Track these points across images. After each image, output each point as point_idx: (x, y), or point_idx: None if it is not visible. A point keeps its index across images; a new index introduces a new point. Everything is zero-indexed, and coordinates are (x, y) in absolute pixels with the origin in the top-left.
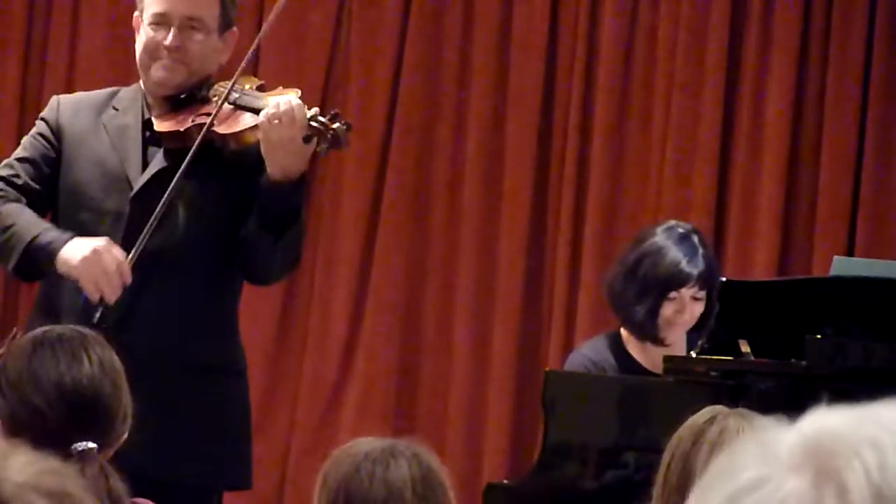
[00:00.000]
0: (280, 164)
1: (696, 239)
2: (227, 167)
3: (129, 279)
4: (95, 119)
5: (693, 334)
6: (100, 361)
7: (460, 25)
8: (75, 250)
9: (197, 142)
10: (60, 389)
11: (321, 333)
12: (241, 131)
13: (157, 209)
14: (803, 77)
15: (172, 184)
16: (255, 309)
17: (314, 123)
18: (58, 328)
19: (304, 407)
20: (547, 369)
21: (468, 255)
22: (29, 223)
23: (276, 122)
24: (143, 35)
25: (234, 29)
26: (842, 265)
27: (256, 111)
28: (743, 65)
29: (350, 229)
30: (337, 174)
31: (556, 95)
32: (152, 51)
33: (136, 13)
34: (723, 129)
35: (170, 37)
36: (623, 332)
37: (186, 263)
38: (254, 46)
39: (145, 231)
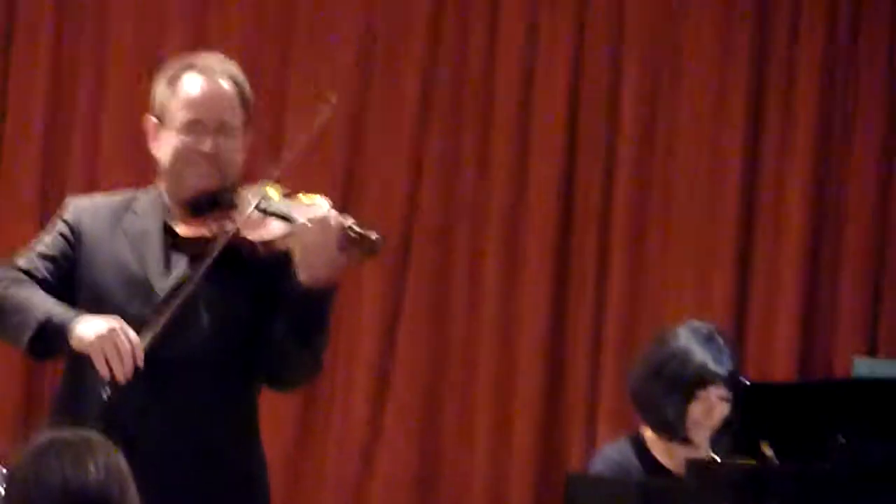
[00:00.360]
0: (314, 271)
1: (720, 339)
2: (251, 272)
3: (141, 362)
4: (115, 223)
5: (716, 436)
6: (106, 465)
7: (479, 109)
8: (91, 326)
9: (221, 245)
10: (67, 495)
11: (342, 436)
12: (272, 239)
13: (177, 304)
14: (822, 178)
15: (194, 280)
16: (276, 412)
17: (351, 234)
18: (65, 433)
19: None
20: (569, 473)
21: (488, 355)
22: (45, 301)
23: (311, 226)
24: (174, 142)
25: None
26: (863, 366)
27: (287, 219)
28: (762, 159)
29: (370, 331)
30: (356, 276)
31: (575, 199)
32: (187, 158)
33: (151, 117)
34: (742, 231)
35: (208, 143)
36: (647, 434)
37: (207, 367)
38: (293, 154)
39: (162, 320)
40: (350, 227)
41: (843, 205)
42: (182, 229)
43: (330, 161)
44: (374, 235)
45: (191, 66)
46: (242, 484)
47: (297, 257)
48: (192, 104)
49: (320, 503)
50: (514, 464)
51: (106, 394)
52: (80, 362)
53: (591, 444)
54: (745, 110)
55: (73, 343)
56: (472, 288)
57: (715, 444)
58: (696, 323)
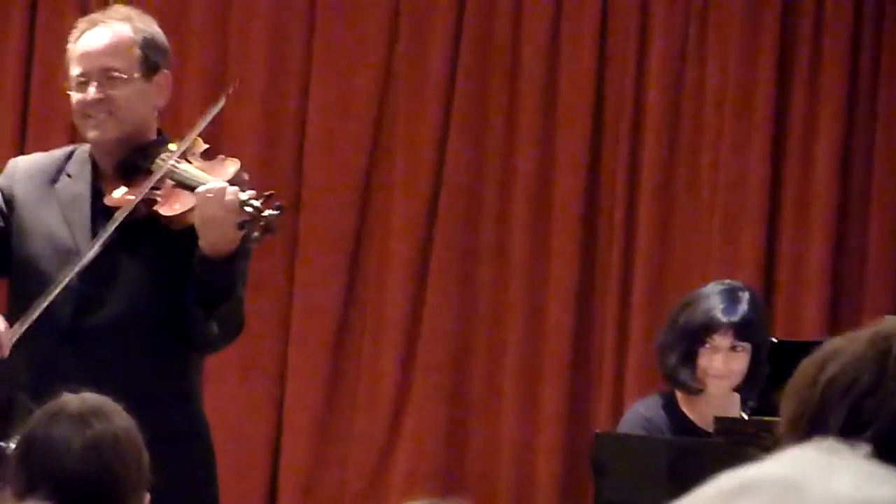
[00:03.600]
0: (210, 241)
1: (742, 293)
2: (168, 241)
3: (6, 353)
4: (48, 186)
5: (745, 395)
6: (95, 440)
7: (506, 86)
8: None
9: (125, 212)
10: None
11: (370, 396)
12: (181, 213)
13: (79, 265)
14: (851, 133)
15: (101, 241)
16: (304, 372)
17: (247, 208)
18: (59, 403)
19: (353, 469)
20: (597, 432)
21: (516, 315)
22: None
23: (210, 195)
24: (71, 98)
25: (166, 71)
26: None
27: (190, 187)
28: (790, 122)
29: (398, 291)
30: (384, 237)
31: (602, 155)
32: (81, 111)
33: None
34: (771, 187)
35: (91, 91)
36: (678, 391)
37: (131, 332)
38: (202, 122)
39: (39, 301)
40: (246, 202)
41: (871, 161)
42: (108, 197)
43: (357, 128)
44: (267, 212)
45: (77, 25)
46: (177, 441)
47: (197, 225)
48: (74, 59)
49: (348, 465)
50: (542, 426)
51: None
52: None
53: (618, 407)
54: (774, 73)
55: None
56: (499, 252)
57: (744, 404)
58: (728, 280)
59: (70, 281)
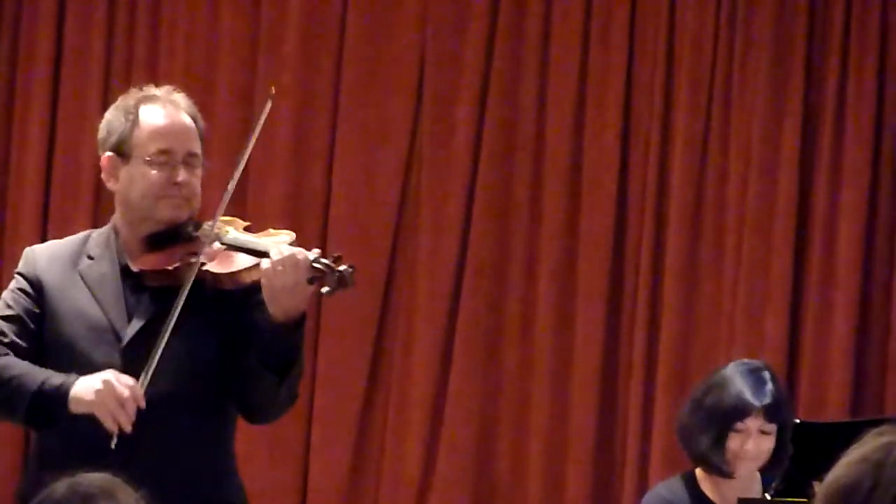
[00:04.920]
0: (283, 307)
1: (765, 374)
2: (216, 305)
3: (142, 402)
4: (72, 270)
5: (768, 475)
6: None
7: (531, 165)
8: (86, 386)
9: (190, 278)
10: None
11: (394, 476)
12: (238, 272)
13: (162, 339)
14: (874, 213)
15: (167, 330)
16: (329, 449)
17: (317, 265)
18: (85, 481)
19: None
20: None
21: (541, 396)
22: (32, 371)
23: (280, 268)
24: (145, 173)
25: None
26: None
27: (251, 252)
28: (813, 202)
29: (423, 371)
30: (409, 315)
31: (627, 235)
32: (160, 189)
33: (106, 154)
34: (794, 267)
35: (181, 174)
36: (698, 472)
37: (182, 407)
38: (233, 182)
39: (153, 355)
40: (316, 260)
41: (893, 244)
42: (142, 262)
43: (383, 200)
44: (342, 267)
45: (148, 98)
46: None
47: (266, 292)
48: (160, 134)
49: None
50: None
51: (114, 444)
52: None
53: (643, 488)
54: (797, 156)
55: (72, 407)
56: (523, 332)
57: (767, 484)
58: (746, 360)
59: (111, 359)
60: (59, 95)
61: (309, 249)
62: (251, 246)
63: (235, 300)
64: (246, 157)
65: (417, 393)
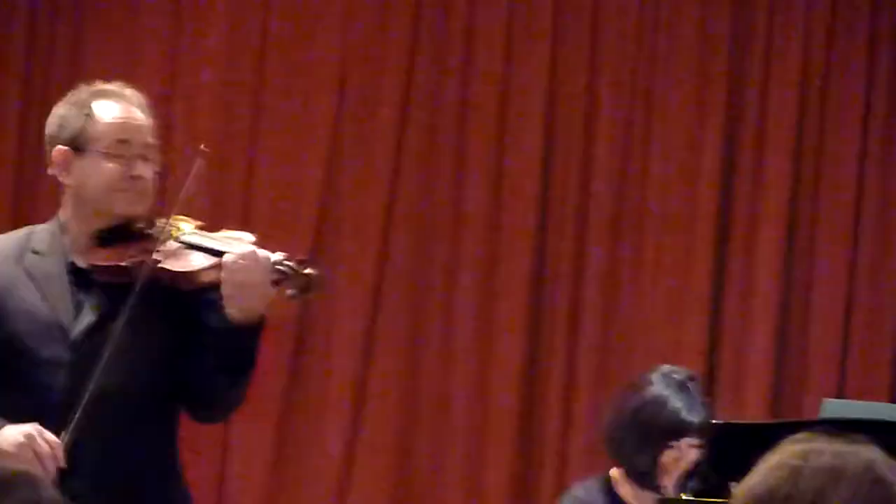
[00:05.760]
0: (242, 306)
1: (693, 386)
2: (167, 303)
3: (62, 463)
4: (16, 266)
5: (686, 476)
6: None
7: (453, 167)
8: (8, 438)
9: (144, 276)
10: None
11: (314, 477)
12: (196, 271)
13: (105, 356)
14: (795, 218)
15: (119, 326)
16: (250, 449)
17: (281, 267)
18: None
19: None
20: None
21: (461, 396)
22: None
23: (242, 262)
24: (103, 167)
25: None
26: (832, 407)
27: (209, 251)
28: (734, 207)
29: (343, 370)
30: (329, 317)
31: (548, 237)
32: (118, 183)
33: (57, 147)
34: (714, 271)
35: (138, 166)
36: (613, 474)
37: (130, 405)
38: (187, 185)
39: (91, 384)
40: (279, 262)
41: (814, 245)
42: (91, 257)
43: (304, 199)
44: (307, 271)
45: (101, 93)
46: None
47: (226, 292)
48: (116, 127)
49: None
50: None
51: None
52: None
53: (561, 488)
54: (718, 160)
55: None
56: (444, 335)
57: (683, 484)
58: (668, 368)
59: (59, 356)
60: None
61: (273, 252)
62: (209, 245)
63: (186, 298)
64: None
65: (337, 391)
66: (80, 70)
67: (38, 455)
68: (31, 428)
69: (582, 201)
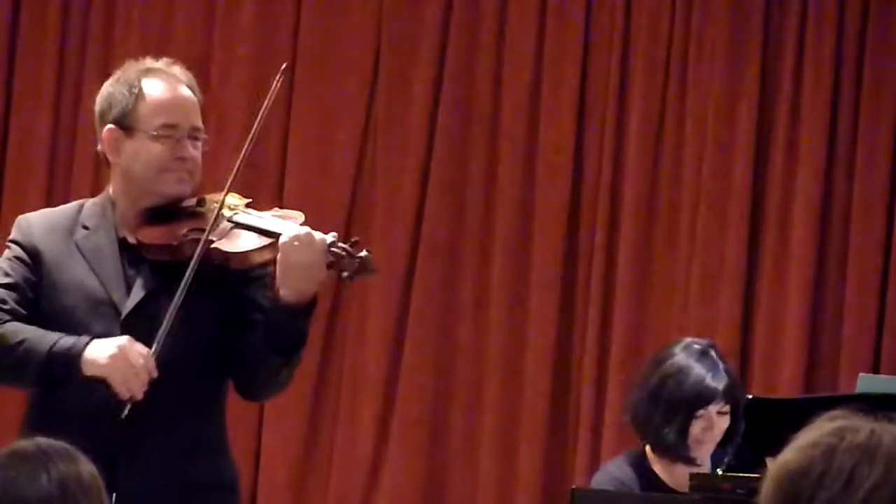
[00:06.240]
0: (296, 287)
1: (714, 353)
2: (217, 281)
3: (154, 373)
4: (68, 240)
5: (719, 451)
6: (61, 478)
7: (486, 143)
8: (100, 350)
9: (198, 254)
10: None
11: (347, 451)
12: (250, 251)
13: (166, 322)
14: (829, 193)
15: (176, 301)
16: (282, 426)
17: (335, 250)
18: (29, 444)
19: None
20: (573, 487)
21: (494, 373)
22: (41, 334)
23: (297, 243)
24: (150, 147)
25: None
26: (867, 382)
27: (261, 231)
28: (769, 181)
29: (376, 348)
30: (363, 293)
31: (581, 213)
32: (164, 164)
33: (108, 127)
34: (749, 245)
35: (186, 147)
36: (647, 450)
37: (183, 381)
38: (241, 159)
39: (164, 327)
40: (333, 243)
41: (848, 221)
42: (142, 235)
43: (337, 176)
44: (362, 253)
45: (149, 72)
46: (226, 490)
47: (281, 272)
48: (165, 108)
49: None
50: (520, 481)
51: (125, 412)
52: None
53: (594, 465)
54: (753, 134)
55: (84, 369)
56: (477, 311)
57: (718, 459)
58: (689, 339)
59: (110, 331)
60: (14, 69)
61: (326, 233)
62: (261, 225)
63: (236, 276)
64: (255, 134)
65: (371, 369)
66: (114, 47)
67: (133, 366)
68: (123, 339)
69: (615, 176)
